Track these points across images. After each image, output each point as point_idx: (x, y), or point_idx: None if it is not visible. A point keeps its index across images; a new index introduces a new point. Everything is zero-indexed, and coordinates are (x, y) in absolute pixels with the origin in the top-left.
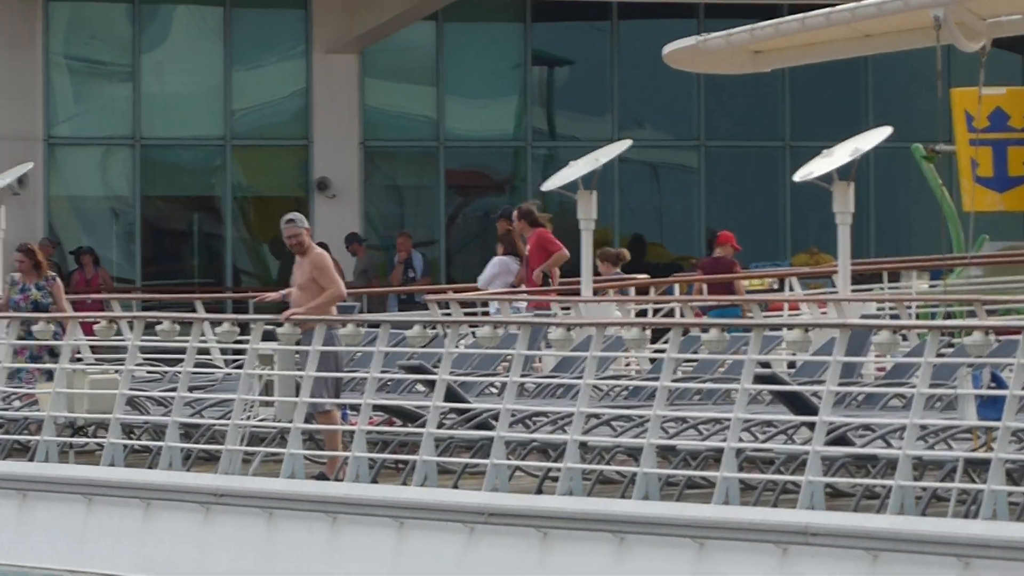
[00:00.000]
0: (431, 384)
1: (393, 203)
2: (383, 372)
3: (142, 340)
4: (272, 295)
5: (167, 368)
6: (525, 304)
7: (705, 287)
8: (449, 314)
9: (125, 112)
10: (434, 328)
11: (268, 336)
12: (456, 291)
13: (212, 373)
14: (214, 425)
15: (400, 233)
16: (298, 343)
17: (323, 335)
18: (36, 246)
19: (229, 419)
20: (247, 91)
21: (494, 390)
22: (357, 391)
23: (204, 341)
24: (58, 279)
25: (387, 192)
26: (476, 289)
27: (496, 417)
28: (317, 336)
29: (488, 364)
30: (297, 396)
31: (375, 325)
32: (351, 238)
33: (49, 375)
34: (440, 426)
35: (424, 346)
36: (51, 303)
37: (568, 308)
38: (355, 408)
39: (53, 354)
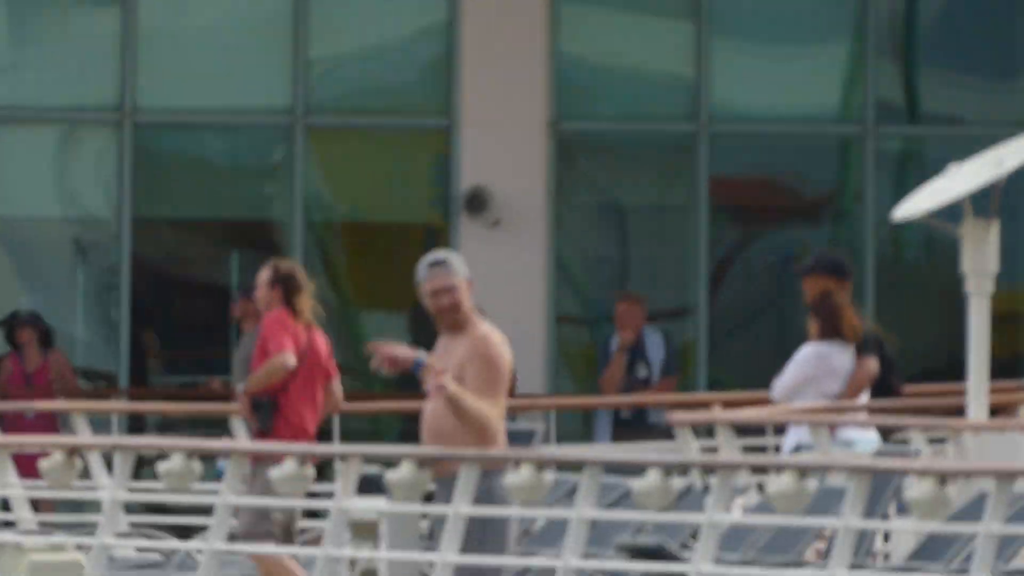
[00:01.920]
0: None
1: (608, 237)
2: (589, 556)
3: (129, 489)
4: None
5: (175, 544)
6: (860, 430)
7: None
8: (716, 449)
9: (105, 64)
10: (687, 474)
11: (369, 486)
12: (728, 405)
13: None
14: None
15: (621, 295)
16: (429, 499)
17: (477, 485)
18: None
19: None
20: (334, 30)
21: None
22: None
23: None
24: None
25: (597, 216)
26: (767, 401)
27: None
28: (464, 487)
29: (787, 544)
30: None
31: (571, 467)
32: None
33: None
34: None
35: (667, 509)
36: None
37: (942, 440)
38: None
39: None
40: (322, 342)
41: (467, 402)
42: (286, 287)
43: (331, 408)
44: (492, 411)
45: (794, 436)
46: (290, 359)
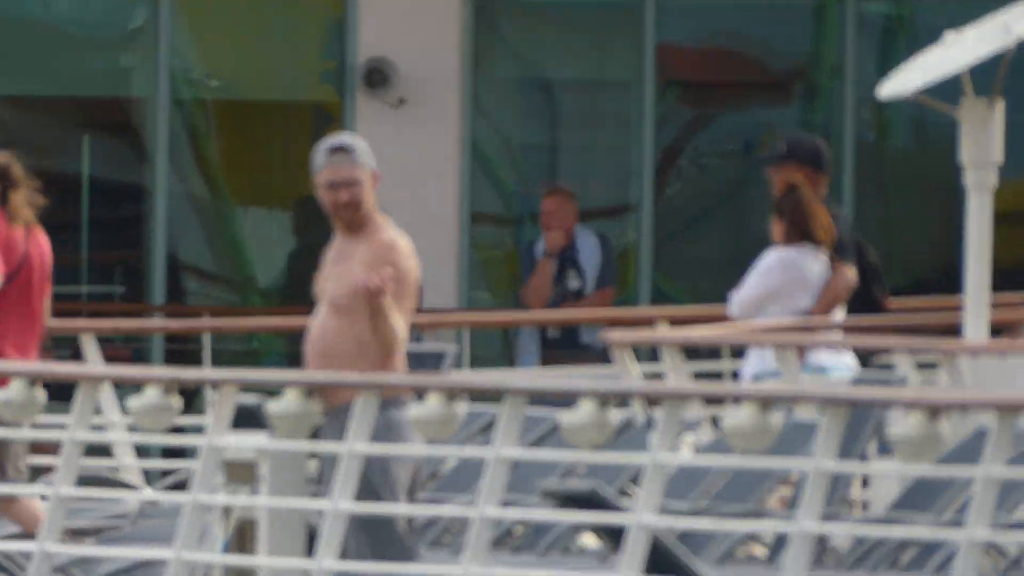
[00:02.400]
0: (614, 536)
1: (534, 120)
2: (509, 501)
3: None
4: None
5: (14, 488)
6: (834, 354)
7: None
8: (661, 375)
9: None
10: (625, 405)
11: (245, 418)
12: (676, 322)
13: (116, 500)
14: None
15: (549, 189)
16: (316, 435)
17: (375, 418)
18: None
19: None
20: None
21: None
22: (444, 547)
23: (97, 426)
24: None
25: (520, 94)
26: (723, 318)
27: None
28: (360, 420)
29: (746, 490)
30: (312, 556)
31: (488, 396)
32: None
33: None
34: None
35: (603, 446)
36: None
37: (933, 365)
38: None
39: None
40: (45, 247)
41: (388, 314)
42: (3, 183)
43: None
44: (396, 324)
45: (755, 361)
46: None
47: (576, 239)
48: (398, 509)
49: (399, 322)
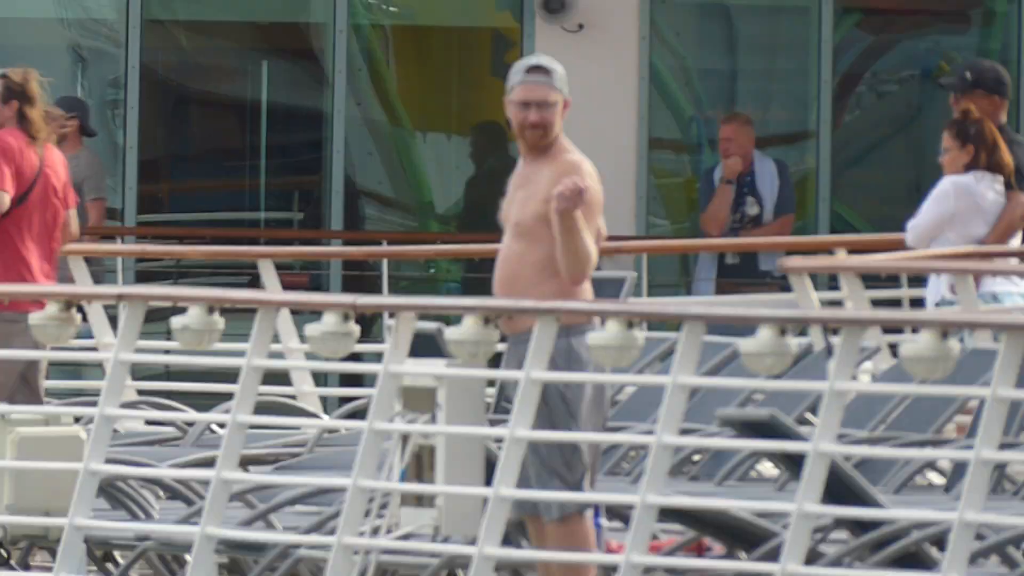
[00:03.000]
0: (794, 463)
1: (712, 45)
2: (687, 429)
3: (138, 350)
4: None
5: (191, 415)
6: (1010, 282)
7: None
8: (840, 303)
9: None
10: (805, 333)
11: (424, 344)
12: (855, 249)
13: (294, 429)
14: (296, 550)
15: (728, 115)
16: (496, 362)
17: (556, 345)
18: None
19: (331, 536)
20: None
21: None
22: (622, 475)
23: (275, 353)
24: None
25: (699, 20)
26: (901, 245)
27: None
28: (539, 346)
29: (925, 418)
30: (489, 481)
31: (667, 323)
32: None
33: None
34: (813, 559)
35: (782, 375)
36: None
37: None
38: (619, 512)
39: None
40: (61, 164)
41: (580, 232)
42: (20, 100)
43: (66, 239)
44: (588, 247)
45: (935, 289)
46: (3, 199)
47: (754, 165)
48: (575, 436)
49: (591, 242)
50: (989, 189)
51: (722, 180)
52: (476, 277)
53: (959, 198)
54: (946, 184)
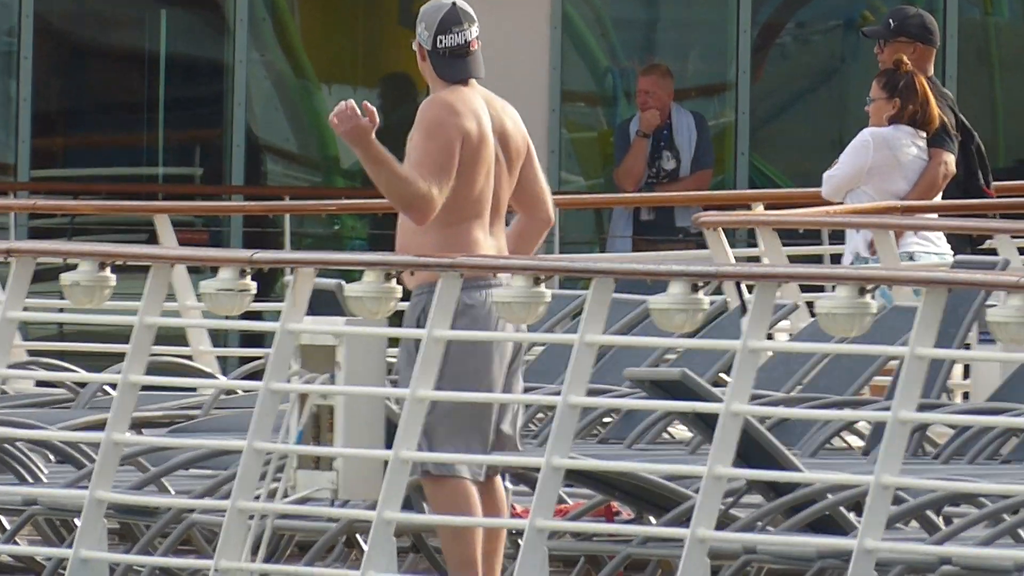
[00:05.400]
0: (706, 424)
1: None
2: (593, 389)
3: (27, 308)
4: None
5: (82, 375)
6: (928, 240)
7: None
8: (758, 260)
9: None
10: (716, 290)
11: (324, 303)
12: (773, 205)
13: (189, 390)
14: (190, 514)
15: (645, 66)
16: (397, 321)
17: (451, 303)
18: None
19: (225, 500)
20: None
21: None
22: (528, 437)
23: (174, 312)
24: None
25: None
26: (818, 200)
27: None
28: (441, 304)
29: (842, 379)
30: (390, 444)
31: (573, 282)
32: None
33: None
34: (725, 523)
35: (695, 334)
36: None
37: None
38: (524, 475)
39: None
40: None
41: (387, 161)
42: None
43: None
44: (423, 186)
45: (852, 246)
46: None
47: (671, 118)
48: (477, 397)
49: (411, 172)
50: (911, 144)
51: (638, 134)
52: (382, 234)
53: (878, 150)
54: (865, 135)
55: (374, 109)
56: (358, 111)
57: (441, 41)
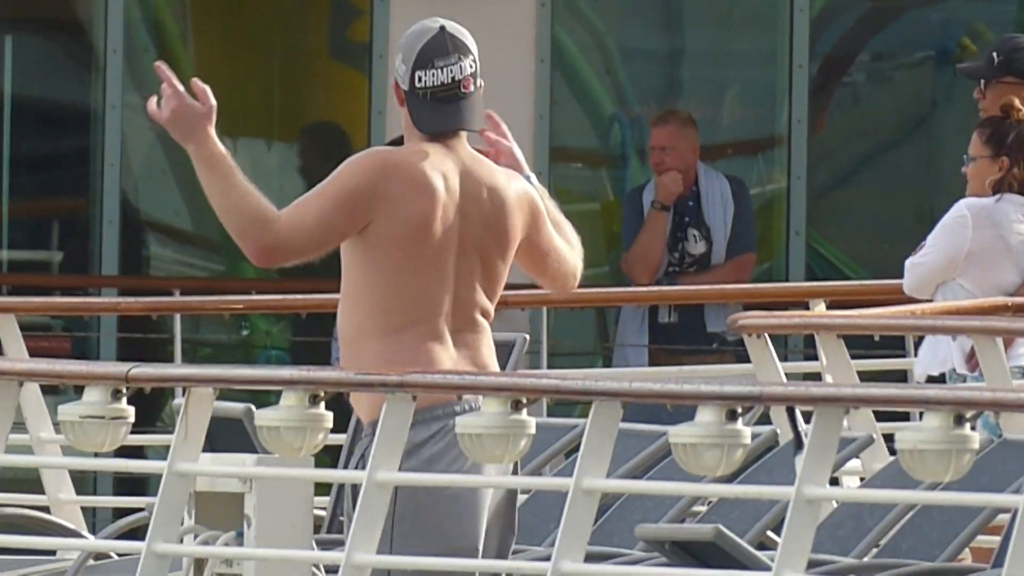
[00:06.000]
0: None
1: (647, 16)
2: (595, 553)
3: None
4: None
5: None
6: None
7: None
8: (817, 376)
9: None
10: (761, 418)
11: (227, 435)
12: (837, 302)
13: (44, 555)
14: None
15: (663, 113)
16: (347, 459)
17: (400, 434)
18: None
19: None
20: None
21: None
22: None
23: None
24: None
25: None
26: (899, 296)
27: None
28: (385, 436)
29: (935, 537)
30: None
31: (568, 407)
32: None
33: None
34: None
35: (733, 478)
36: None
37: None
38: None
39: None
40: None
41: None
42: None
43: None
44: (272, 213)
45: (932, 353)
46: None
47: (699, 184)
48: (441, 564)
49: (262, 196)
50: (1023, 219)
51: (654, 205)
52: (306, 341)
53: (979, 228)
54: (961, 208)
55: (206, 88)
56: (182, 90)
57: (420, 79)
